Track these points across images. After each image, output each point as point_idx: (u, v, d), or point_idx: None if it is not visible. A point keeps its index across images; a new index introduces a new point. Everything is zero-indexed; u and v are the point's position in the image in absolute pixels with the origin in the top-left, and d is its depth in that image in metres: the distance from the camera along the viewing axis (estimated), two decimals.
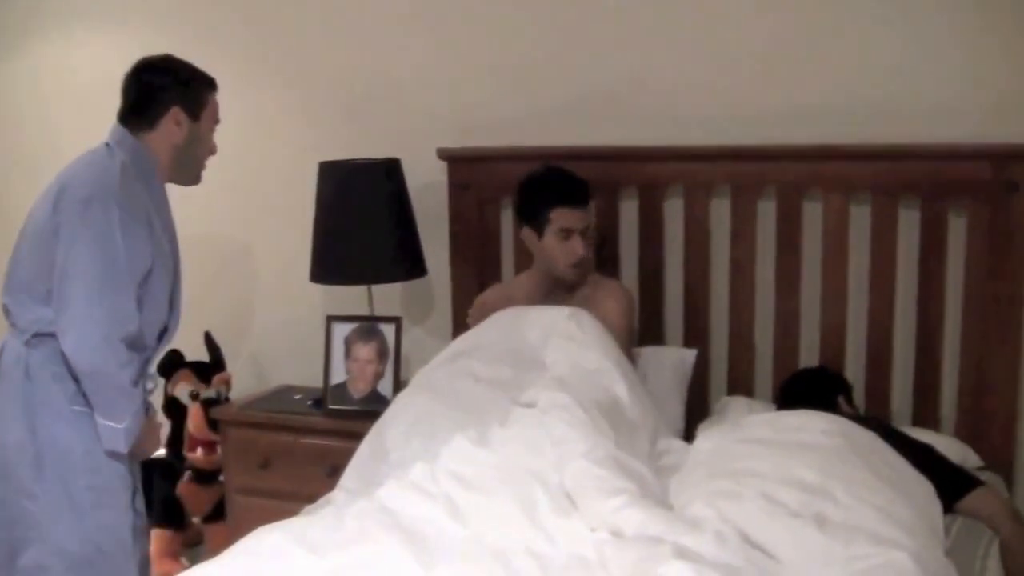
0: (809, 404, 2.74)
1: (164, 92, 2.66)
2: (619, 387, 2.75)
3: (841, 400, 2.89)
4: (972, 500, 2.53)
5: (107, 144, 2.67)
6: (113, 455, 2.65)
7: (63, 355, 2.57)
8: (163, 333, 2.76)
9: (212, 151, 2.78)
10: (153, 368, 2.85)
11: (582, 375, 2.74)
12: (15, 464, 2.65)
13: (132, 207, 2.57)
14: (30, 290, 2.62)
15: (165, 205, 2.73)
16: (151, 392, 2.81)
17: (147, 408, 2.74)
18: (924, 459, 2.56)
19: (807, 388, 2.91)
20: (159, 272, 2.65)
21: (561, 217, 2.98)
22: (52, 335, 2.58)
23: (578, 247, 2.99)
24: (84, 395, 2.61)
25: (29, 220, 2.67)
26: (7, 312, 2.69)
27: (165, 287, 2.69)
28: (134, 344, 2.61)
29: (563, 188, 3.01)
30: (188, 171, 2.75)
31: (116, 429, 2.61)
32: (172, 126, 2.67)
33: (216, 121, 2.77)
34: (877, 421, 2.80)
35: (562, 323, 2.89)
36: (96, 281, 2.52)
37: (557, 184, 3.02)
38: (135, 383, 2.63)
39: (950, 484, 2.52)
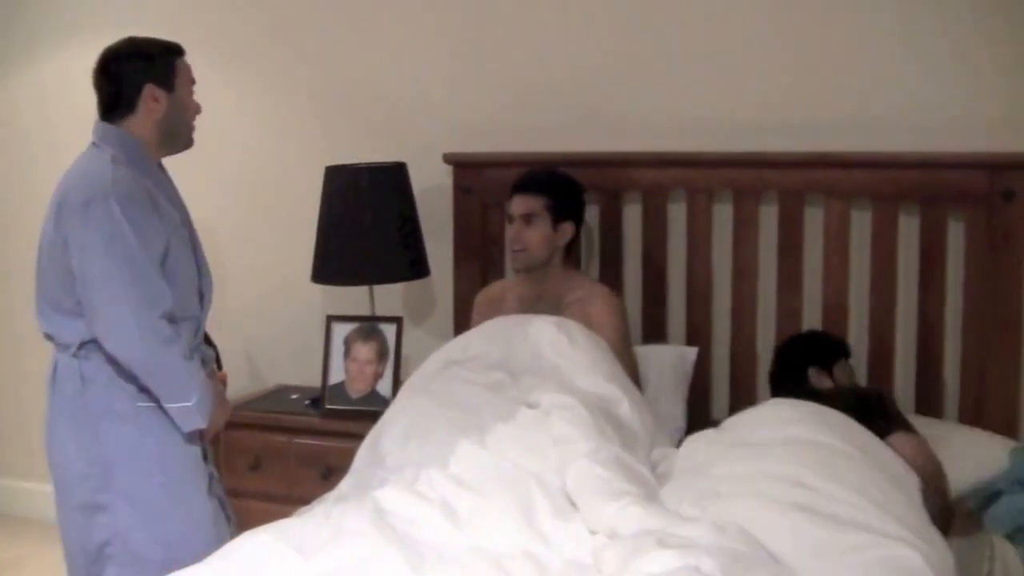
0: (781, 382, 2.82)
1: (133, 75, 2.65)
2: (617, 405, 2.75)
3: (812, 372, 2.88)
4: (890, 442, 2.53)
5: (93, 143, 2.69)
6: (190, 438, 2.63)
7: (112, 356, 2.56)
8: (201, 298, 2.75)
9: (197, 111, 2.76)
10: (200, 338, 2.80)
11: (578, 391, 2.72)
12: (82, 480, 2.61)
13: (131, 194, 2.56)
14: (60, 308, 2.60)
15: (166, 180, 2.74)
16: (212, 358, 2.81)
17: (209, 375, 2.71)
18: (862, 401, 2.59)
19: (779, 366, 2.96)
20: (177, 245, 2.65)
21: (510, 204, 3.11)
22: (97, 341, 2.57)
23: (513, 232, 3.09)
24: (145, 389, 2.58)
25: (42, 239, 2.66)
26: (49, 338, 2.67)
27: (187, 256, 2.69)
28: (174, 317, 2.59)
29: (517, 179, 3.13)
30: (178, 138, 2.73)
31: (188, 408, 2.57)
32: (151, 103, 2.66)
33: (192, 83, 2.75)
34: (851, 393, 2.80)
35: (553, 336, 2.87)
36: (117, 278, 2.51)
37: (517, 176, 3.14)
38: (188, 356, 2.60)
39: (875, 426, 2.52)
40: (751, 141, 3.17)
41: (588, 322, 3.00)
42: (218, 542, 2.60)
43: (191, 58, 2.78)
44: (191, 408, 2.58)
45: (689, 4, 3.26)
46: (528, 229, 3.06)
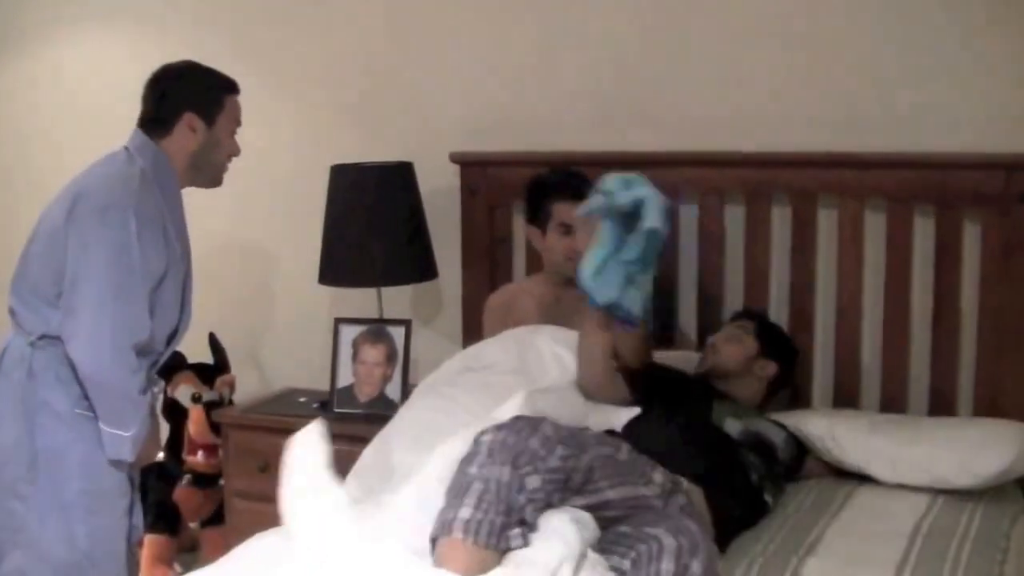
0: None
1: (177, 98, 2.65)
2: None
3: None
4: None
5: (126, 148, 2.66)
6: (115, 462, 2.61)
7: (69, 358, 2.53)
8: (172, 336, 2.73)
9: (234, 153, 2.76)
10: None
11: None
12: (7, 465, 2.61)
13: (148, 214, 2.56)
14: (39, 293, 2.58)
15: (180, 209, 2.72)
16: (157, 396, 2.78)
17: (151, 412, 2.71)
18: None
19: None
20: (172, 277, 2.63)
21: (561, 212, 3.00)
22: (59, 338, 2.55)
23: (579, 243, 2.97)
24: (89, 399, 2.57)
25: (41, 223, 2.64)
26: (13, 313, 2.65)
27: (177, 291, 2.68)
28: (143, 350, 2.58)
29: (565, 183, 3.03)
30: (207, 175, 2.74)
31: (122, 437, 2.57)
32: (187, 131, 2.65)
33: (237, 124, 2.74)
34: None
35: (564, 355, 2.84)
36: (109, 289, 2.50)
37: (560, 180, 3.05)
38: (143, 390, 2.59)
39: None
40: (763, 140, 3.14)
41: None
42: (124, 565, 2.67)
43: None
44: (124, 438, 2.57)
45: (701, 2, 3.23)
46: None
